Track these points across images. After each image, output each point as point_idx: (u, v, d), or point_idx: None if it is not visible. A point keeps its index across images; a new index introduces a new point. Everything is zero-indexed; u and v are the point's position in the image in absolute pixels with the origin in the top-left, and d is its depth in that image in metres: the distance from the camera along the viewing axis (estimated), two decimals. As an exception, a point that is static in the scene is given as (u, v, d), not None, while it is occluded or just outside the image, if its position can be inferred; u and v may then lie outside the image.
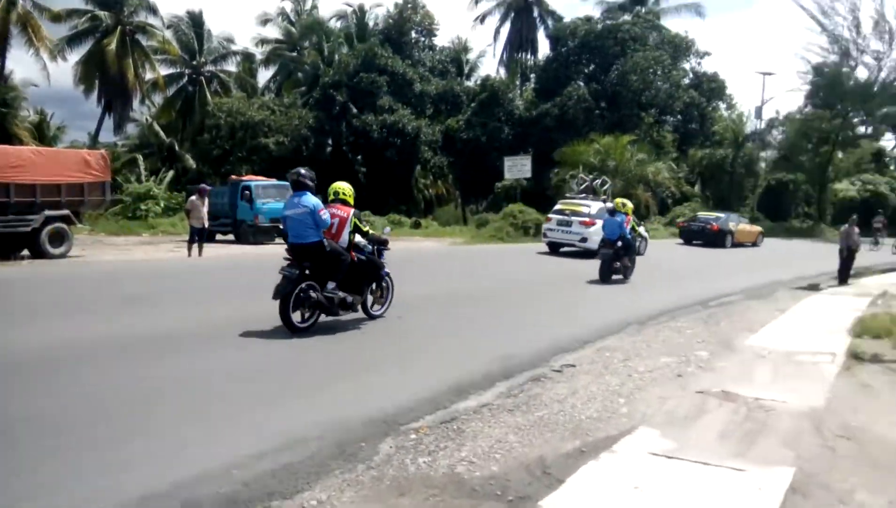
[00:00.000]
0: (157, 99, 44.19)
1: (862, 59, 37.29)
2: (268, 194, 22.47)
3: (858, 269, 15.89)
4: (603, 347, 7.07)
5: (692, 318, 9.09)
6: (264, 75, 48.74)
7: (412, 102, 39.34)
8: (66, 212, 15.30)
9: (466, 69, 48.33)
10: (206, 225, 15.96)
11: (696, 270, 16.91)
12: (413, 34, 43.09)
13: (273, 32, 47.13)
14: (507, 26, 50.17)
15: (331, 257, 7.05)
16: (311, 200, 7.04)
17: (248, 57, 46.85)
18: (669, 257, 20.12)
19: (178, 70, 43.18)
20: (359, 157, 39.43)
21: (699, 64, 44.53)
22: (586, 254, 17.35)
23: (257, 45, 46.86)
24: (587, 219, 18.38)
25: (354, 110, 38.28)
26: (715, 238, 24.96)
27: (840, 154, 42.33)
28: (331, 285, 7.06)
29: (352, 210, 7.45)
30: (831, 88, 37.91)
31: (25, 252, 14.84)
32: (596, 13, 44.68)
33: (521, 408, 4.98)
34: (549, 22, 48.55)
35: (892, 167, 47.22)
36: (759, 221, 38.91)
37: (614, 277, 12.89)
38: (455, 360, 6.37)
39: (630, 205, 14.08)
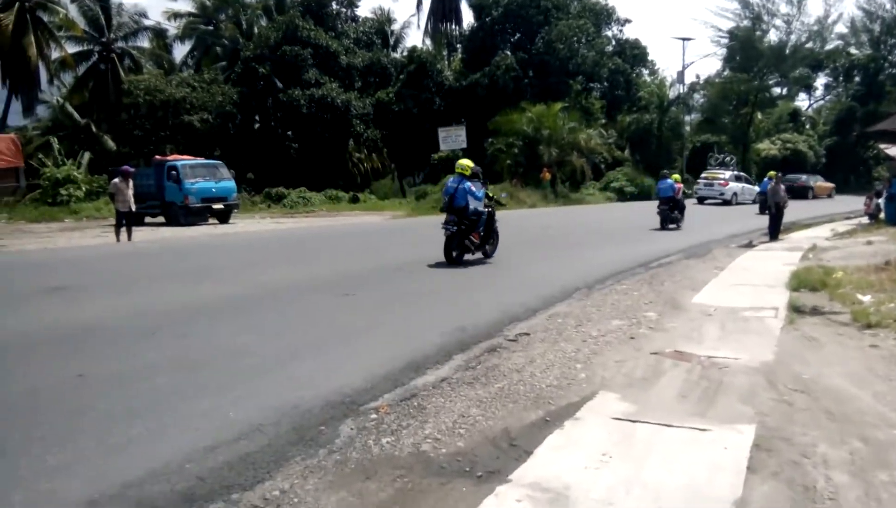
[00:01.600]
0: (68, 79, 41.64)
1: (773, 23, 38.79)
2: (196, 174, 21.56)
3: (785, 224, 16.58)
4: (554, 313, 7.08)
5: (636, 280, 9.24)
6: (180, 51, 46.53)
7: (339, 75, 38.44)
8: (-25, 201, 14.23)
9: (392, 41, 47.54)
10: (133, 208, 15.16)
11: (629, 230, 17.28)
12: (334, 5, 41.95)
13: (186, 6, 44.79)
14: (429, -4, 49.45)
15: (474, 216, 10.43)
16: (469, 183, 10.45)
17: (160, 33, 44.53)
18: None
19: (87, 48, 40.63)
20: (289, 132, 38.36)
21: (621, 31, 45.24)
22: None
23: (169, 18, 44.50)
24: (723, 182, 31.03)
25: (280, 85, 37.12)
26: (803, 192, 34.05)
27: (759, 115, 44.11)
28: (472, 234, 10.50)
29: (480, 181, 10.82)
30: (746, 52, 39.36)
31: (-70, 246, 13.74)
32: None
33: (480, 380, 4.90)
34: (471, -9, 48.19)
35: (807, 126, 49.54)
36: (687, 182, 40.27)
37: (670, 225, 17.17)
38: (408, 334, 6.24)
39: (677, 176, 18.96)
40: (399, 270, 10.20)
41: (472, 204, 10.36)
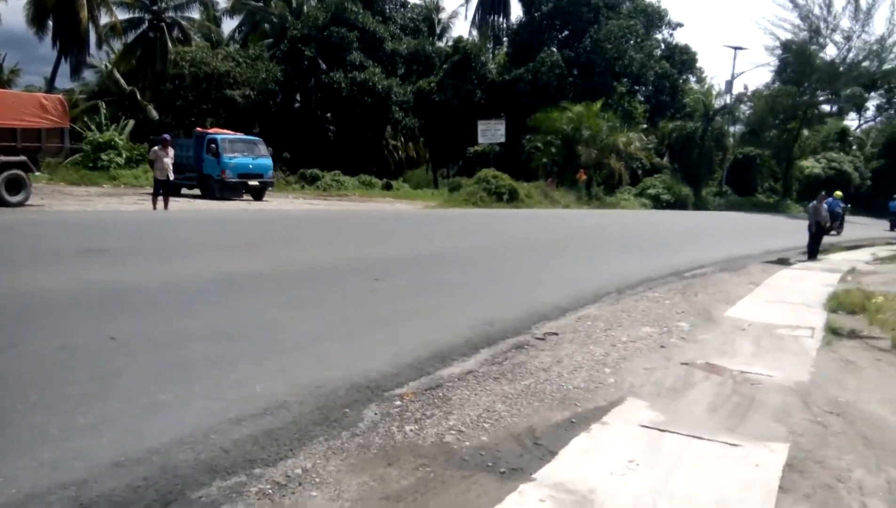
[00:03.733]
0: (116, 45, 42.32)
1: (832, 38, 37.71)
2: (235, 149, 21.82)
3: (823, 246, 16.18)
4: (584, 315, 6.99)
5: (668, 289, 9.09)
6: (229, 25, 47.02)
7: (383, 60, 38.47)
8: (22, 158, 14.57)
9: (438, 29, 47.38)
10: (171, 177, 15.39)
11: (665, 239, 17.03)
12: (385, -11, 41.94)
13: (238, -20, 45.23)
14: (479, -13, 49.12)
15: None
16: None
17: (210, 5, 44.99)
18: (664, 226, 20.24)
19: (138, 15, 41.19)
20: (328, 114, 38.60)
21: (671, 35, 44.51)
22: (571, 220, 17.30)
23: (221, -8, 44.98)
24: None
25: (323, 66, 37.28)
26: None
27: (806, 131, 43.08)
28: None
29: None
30: (799, 65, 38.34)
31: (-22, 199, 14.11)
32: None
33: (506, 376, 4.85)
34: (523, -16, 47.72)
35: (854, 147, 48.26)
36: (726, 194, 39.53)
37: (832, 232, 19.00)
38: (435, 324, 6.21)
39: (840, 193, 21.15)
40: (430, 259, 10.18)
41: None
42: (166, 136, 16.23)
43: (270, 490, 3.03)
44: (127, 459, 3.09)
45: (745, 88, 45.27)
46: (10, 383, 3.96)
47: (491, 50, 45.70)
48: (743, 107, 43.77)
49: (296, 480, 3.14)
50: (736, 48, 42.65)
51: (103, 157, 27.00)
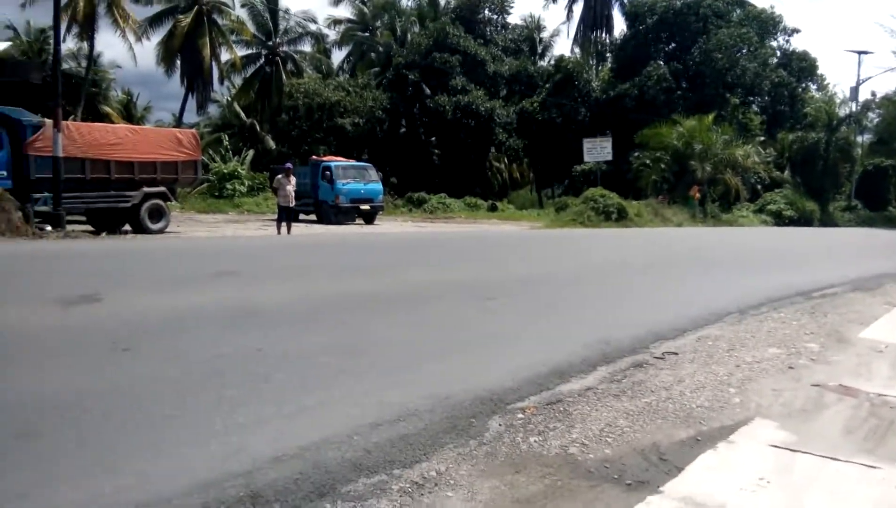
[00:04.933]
0: (237, 80, 45.58)
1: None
2: (348, 175, 22.93)
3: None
4: (704, 335, 6.85)
5: (795, 309, 8.68)
6: (338, 56, 49.46)
7: (485, 82, 39.08)
8: (162, 189, 16.08)
9: (540, 49, 47.57)
10: (293, 204, 16.43)
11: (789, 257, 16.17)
12: (486, 12, 42.63)
13: (345, 13, 47.68)
14: (580, 4, 49.03)
15: None
16: None
17: (321, 38, 47.54)
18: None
19: (255, 51, 44.17)
20: (433, 138, 39.59)
21: (787, 42, 42.35)
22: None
23: (329, 25, 47.53)
24: None
25: (427, 91, 38.35)
26: None
27: (944, 138, 39.46)
28: None
29: None
30: (933, 67, 35.23)
31: (127, 227, 15.70)
32: (674, -11, 42.96)
33: (626, 393, 4.88)
34: (625, -1, 47.10)
35: None
36: (856, 209, 36.80)
37: None
38: (551, 343, 6.31)
39: None
40: (541, 280, 10.28)
41: None
42: (289, 165, 17.41)
43: (410, 489, 3.26)
44: (284, 454, 3.43)
45: (873, 94, 42.13)
46: (179, 385, 4.48)
47: (594, 67, 45.31)
48: (871, 115, 40.79)
49: (432, 481, 3.36)
50: (860, 52, 39.98)
51: (228, 186, 29.18)
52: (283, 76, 42.96)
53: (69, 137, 14.77)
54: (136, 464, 3.30)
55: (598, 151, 31.51)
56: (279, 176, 16.35)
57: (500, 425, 4.17)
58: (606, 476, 3.53)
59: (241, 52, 43.29)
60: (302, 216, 23.17)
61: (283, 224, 15.89)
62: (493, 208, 33.47)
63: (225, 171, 29.92)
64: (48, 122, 14.88)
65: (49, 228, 14.01)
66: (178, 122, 42.10)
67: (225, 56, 42.21)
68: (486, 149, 39.91)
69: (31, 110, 16.34)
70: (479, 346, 6.05)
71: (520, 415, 4.36)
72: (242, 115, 42.67)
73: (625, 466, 3.65)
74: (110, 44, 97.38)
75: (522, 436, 4.01)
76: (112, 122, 32.27)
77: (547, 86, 39.73)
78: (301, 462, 3.37)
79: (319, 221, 22.55)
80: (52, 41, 34.42)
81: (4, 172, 14.16)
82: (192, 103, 43.72)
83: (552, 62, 43.72)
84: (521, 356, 5.77)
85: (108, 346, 5.34)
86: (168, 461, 3.38)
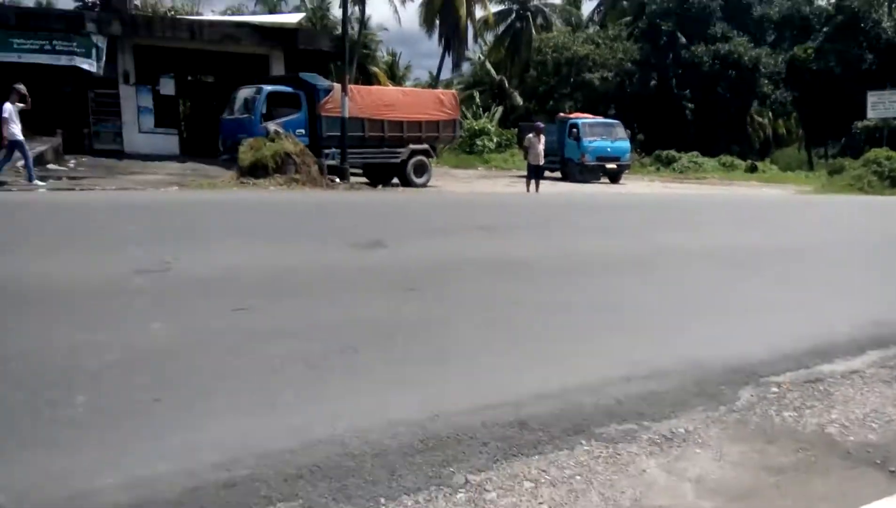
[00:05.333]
0: (489, 37, 47.14)
1: None
2: (594, 133, 22.85)
3: None
4: None
5: None
6: (588, 7, 48.39)
7: (749, 28, 35.48)
8: (426, 146, 17.73)
9: (817, -15, 41.51)
10: (542, 162, 17.01)
11: None
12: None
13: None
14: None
15: None
16: None
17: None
18: None
19: (507, 6, 45.03)
20: (686, 91, 37.26)
21: None
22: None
23: (581, -28, 46.41)
24: None
25: (683, 41, 36.02)
26: None
27: None
28: None
29: None
30: None
31: (395, 180, 17.69)
32: None
33: (900, 381, 4.59)
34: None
35: None
36: None
37: None
38: (811, 319, 6.02)
39: None
40: (799, 250, 9.57)
41: None
42: (540, 124, 17.98)
43: (658, 440, 3.57)
44: (546, 393, 3.96)
45: None
46: (461, 323, 5.27)
47: (886, 4, 38.50)
48: None
49: (680, 437, 3.63)
50: None
51: (477, 142, 30.79)
52: (533, 31, 43.45)
53: (352, 99, 16.89)
54: (426, 379, 4.08)
55: (885, 105, 27.14)
56: (529, 135, 16.97)
57: (752, 395, 4.25)
58: (867, 459, 3.48)
59: (494, 8, 44.64)
60: (546, 173, 23.71)
61: (532, 182, 16.55)
62: (752, 169, 30.77)
63: (476, 127, 31.55)
64: (337, 86, 17.17)
65: (337, 179, 16.39)
66: (435, 81, 45.02)
67: (479, 13, 43.86)
68: (748, 103, 36.52)
69: (318, 73, 18.91)
70: (733, 314, 6.01)
71: (774, 389, 4.38)
72: (493, 72, 44.17)
73: (890, 453, 3.55)
74: (377, 7, 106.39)
75: (776, 409, 4.06)
76: (378, 81, 35.74)
77: (825, 29, 34.88)
78: (560, 402, 3.86)
79: (564, 178, 22.88)
80: (330, 9, 39.09)
81: (303, 130, 16.76)
82: (447, 62, 46.45)
83: (832, 2, 38.13)
84: (777, 329, 5.63)
85: (398, 285, 6.39)
86: (454, 383, 4.10)
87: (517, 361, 4.49)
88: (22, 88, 13.56)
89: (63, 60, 19.48)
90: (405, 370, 4.29)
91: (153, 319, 4.96)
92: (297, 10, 42.09)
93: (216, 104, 21.41)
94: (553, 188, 19.27)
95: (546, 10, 45.45)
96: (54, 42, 19.55)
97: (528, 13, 44.49)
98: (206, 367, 4.19)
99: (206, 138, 20.85)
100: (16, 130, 13.12)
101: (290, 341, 4.67)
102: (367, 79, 35.04)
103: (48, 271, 6.27)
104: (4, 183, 13.48)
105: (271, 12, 40.61)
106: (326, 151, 16.97)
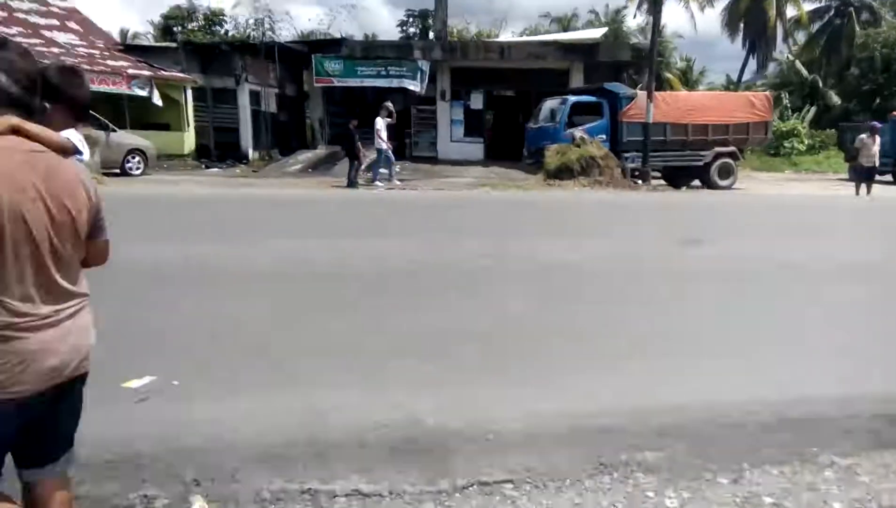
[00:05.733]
0: (800, 36, 43.09)
1: None
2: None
3: None
4: None
5: None
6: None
7: None
8: (732, 149, 16.98)
9: None
10: (877, 164, 15.10)
11: None
12: None
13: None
14: None
15: None
16: None
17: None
18: None
19: (824, 4, 40.97)
20: None
21: None
22: None
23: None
24: None
25: None
26: None
27: None
28: None
29: None
30: None
31: (696, 182, 17.24)
32: None
33: None
34: None
35: None
36: None
37: None
38: None
39: None
40: None
41: None
42: (876, 123, 15.94)
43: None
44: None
45: None
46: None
47: None
48: None
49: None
50: None
51: (785, 144, 28.25)
52: (856, 26, 38.39)
53: (656, 105, 16.84)
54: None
55: None
56: (862, 136, 15.06)
57: None
58: None
59: (809, 6, 40.67)
60: (877, 177, 20.78)
61: (863, 185, 14.70)
62: None
63: (784, 129, 29.00)
64: (640, 93, 17.28)
65: (640, 181, 16.52)
66: (737, 83, 42.30)
67: (791, 13, 40.39)
68: None
69: (614, 82, 19.15)
70: None
71: None
72: (804, 71, 39.93)
73: None
74: (672, 16, 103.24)
75: None
76: (671, 87, 34.74)
77: None
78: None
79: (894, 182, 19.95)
80: (623, 20, 39.14)
81: (604, 136, 17.19)
82: (750, 64, 43.48)
83: None
84: None
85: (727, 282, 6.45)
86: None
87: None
88: (390, 105, 16.07)
89: (394, 83, 22.60)
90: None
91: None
92: (589, 24, 42.86)
93: (517, 115, 23.00)
94: (883, 192, 16.87)
95: (874, 3, 39.86)
96: (389, 68, 22.80)
97: (851, 9, 39.51)
98: (592, 335, 4.77)
99: (506, 145, 22.46)
100: (383, 140, 15.56)
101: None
102: (661, 85, 34.23)
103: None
104: (380, 185, 15.71)
105: (565, 30, 41.96)
106: (626, 154, 17.14)
